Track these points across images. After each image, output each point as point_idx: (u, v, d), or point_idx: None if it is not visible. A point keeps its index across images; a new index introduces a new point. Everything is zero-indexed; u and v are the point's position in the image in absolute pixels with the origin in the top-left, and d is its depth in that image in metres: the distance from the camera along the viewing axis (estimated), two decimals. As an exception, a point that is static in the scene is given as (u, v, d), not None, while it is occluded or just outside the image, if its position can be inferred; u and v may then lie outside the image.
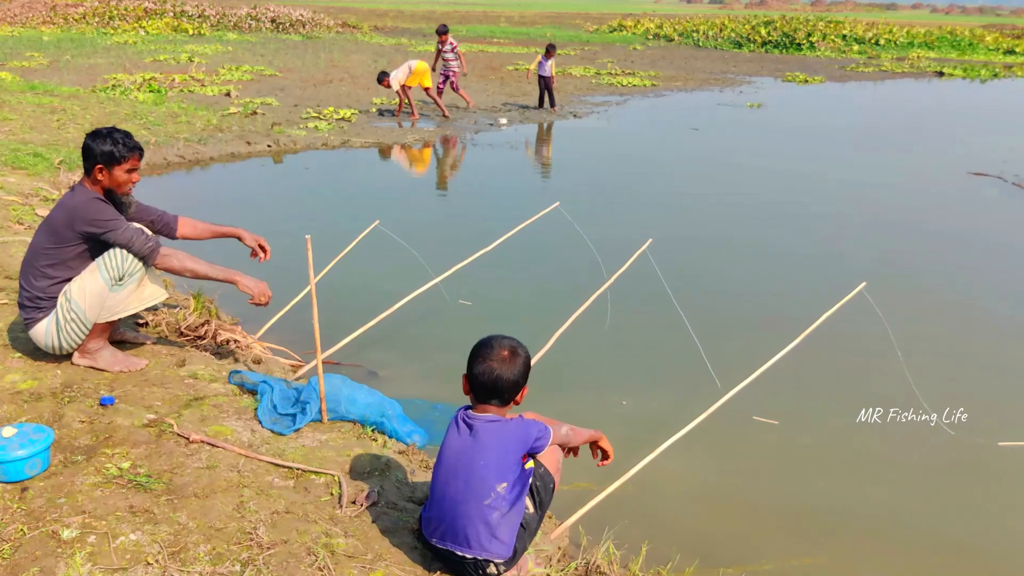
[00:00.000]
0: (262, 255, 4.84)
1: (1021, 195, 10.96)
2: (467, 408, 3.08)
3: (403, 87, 14.93)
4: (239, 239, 4.85)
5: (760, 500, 4.26)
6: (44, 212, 7.41)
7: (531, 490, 3.06)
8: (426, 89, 15.29)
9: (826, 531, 4.03)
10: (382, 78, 14.99)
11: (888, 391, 5.17)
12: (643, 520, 3.88)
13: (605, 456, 3.42)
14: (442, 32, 15.95)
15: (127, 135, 4.25)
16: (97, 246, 4.21)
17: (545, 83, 16.68)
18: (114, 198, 4.30)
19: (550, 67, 16.46)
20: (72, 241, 4.16)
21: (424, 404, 4.83)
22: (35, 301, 4.21)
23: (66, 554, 2.91)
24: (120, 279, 4.18)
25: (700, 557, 3.54)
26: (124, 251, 4.16)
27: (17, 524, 3.05)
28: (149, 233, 4.29)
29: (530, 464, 3.04)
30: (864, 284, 4.47)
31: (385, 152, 12.69)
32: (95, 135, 4.18)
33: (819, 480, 4.43)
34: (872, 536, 4.00)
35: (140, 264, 4.22)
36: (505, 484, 2.92)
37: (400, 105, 15.28)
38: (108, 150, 4.13)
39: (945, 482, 4.51)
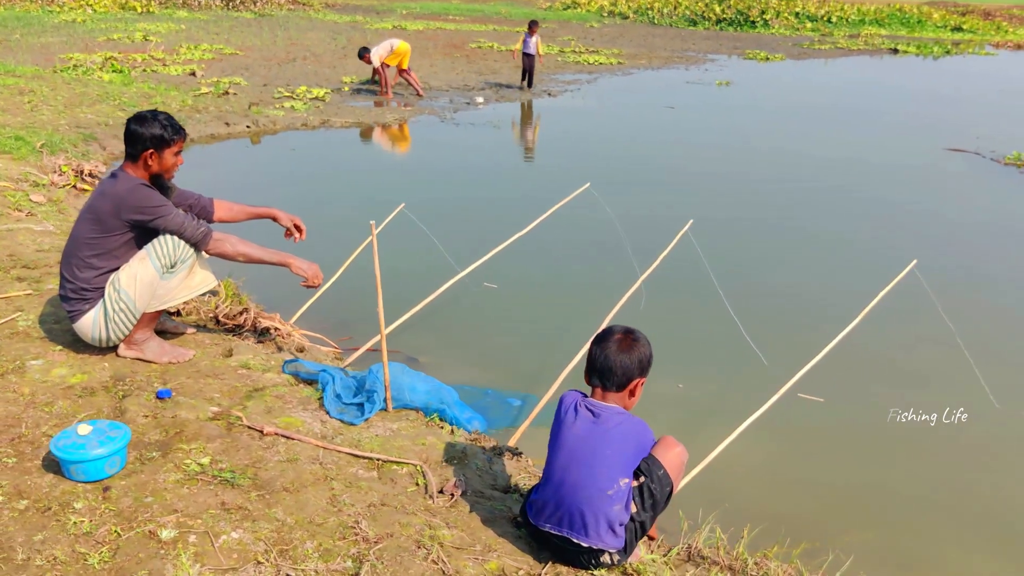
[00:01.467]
0: (298, 235, 4.70)
1: (998, 169, 11.20)
2: (584, 396, 3.04)
3: (382, 64, 14.73)
4: (275, 219, 4.71)
5: (818, 478, 4.31)
6: (37, 198, 7.14)
7: (642, 491, 2.96)
8: (402, 70, 15.09)
9: (887, 509, 4.09)
10: (363, 54, 14.83)
11: (932, 367, 5.24)
12: (716, 501, 3.87)
13: None
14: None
15: (170, 117, 4.10)
16: (143, 234, 4.06)
17: (529, 61, 16.52)
18: (160, 182, 4.14)
19: (534, 44, 16.29)
20: (118, 230, 4.00)
21: (475, 390, 4.77)
22: (80, 293, 4.05)
23: (170, 555, 2.80)
24: (172, 266, 4.03)
25: (790, 537, 3.55)
26: (175, 237, 4.02)
27: (109, 525, 2.93)
28: (198, 219, 4.15)
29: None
30: (916, 262, 4.50)
31: (367, 132, 12.49)
32: (139, 119, 4.02)
33: (875, 457, 4.49)
34: (930, 511, 4.07)
35: (191, 250, 4.07)
36: (627, 480, 2.89)
37: (384, 82, 15.04)
38: (159, 134, 3.98)
39: (995, 458, 4.59)
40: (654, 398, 4.81)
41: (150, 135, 3.99)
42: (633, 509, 2.93)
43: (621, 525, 2.89)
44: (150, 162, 4.03)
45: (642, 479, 2.92)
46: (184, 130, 4.17)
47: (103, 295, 4.05)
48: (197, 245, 4.09)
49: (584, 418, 2.94)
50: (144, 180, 4.05)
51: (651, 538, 3.37)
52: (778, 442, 4.57)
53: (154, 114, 4.06)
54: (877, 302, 4.40)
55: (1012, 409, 4.85)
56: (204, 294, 4.61)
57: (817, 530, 3.80)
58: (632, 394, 3.00)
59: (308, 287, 4.38)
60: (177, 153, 4.13)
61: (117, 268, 4.06)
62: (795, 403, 4.81)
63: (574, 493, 2.89)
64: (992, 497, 4.24)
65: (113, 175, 4.09)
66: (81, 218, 4.09)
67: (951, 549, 3.86)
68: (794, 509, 4.01)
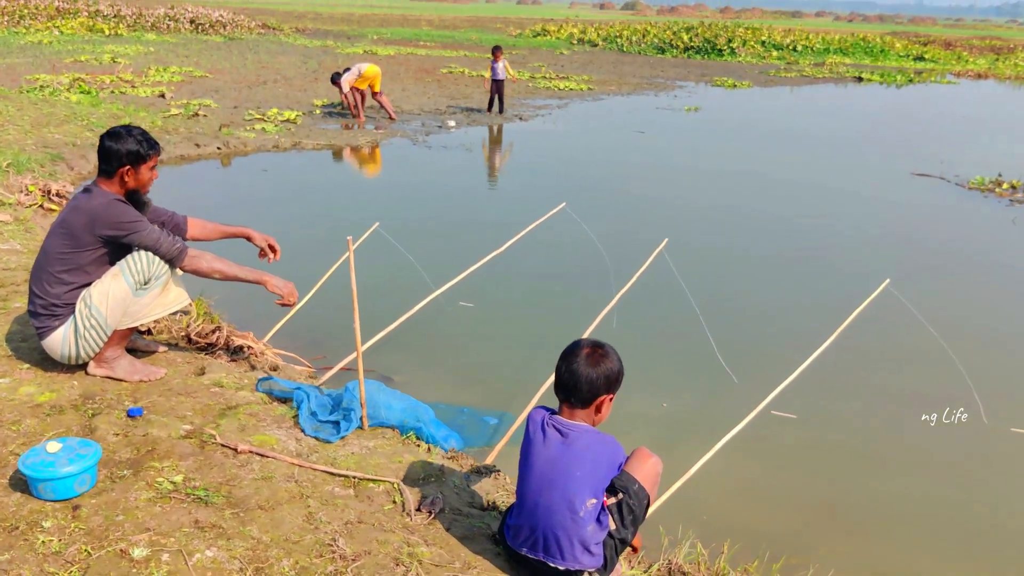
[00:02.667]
0: (272, 255, 4.67)
1: (963, 193, 11.40)
2: (551, 413, 3.02)
3: (352, 88, 14.74)
4: (248, 239, 4.68)
5: (795, 493, 4.33)
6: (3, 217, 7.03)
7: (621, 507, 2.94)
8: (375, 93, 15.11)
9: (865, 522, 4.10)
10: (336, 79, 14.84)
11: (900, 383, 5.29)
12: (695, 517, 3.87)
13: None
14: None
15: (144, 131, 4.07)
16: (116, 250, 4.00)
17: (497, 87, 16.58)
18: (136, 198, 4.09)
19: (502, 69, 16.37)
20: (91, 245, 3.94)
21: (451, 408, 4.74)
22: (50, 308, 3.97)
23: (143, 574, 2.73)
24: (146, 283, 3.97)
25: (770, 552, 3.55)
26: (149, 254, 3.96)
27: (79, 544, 2.86)
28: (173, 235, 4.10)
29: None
30: (888, 281, 4.55)
31: (339, 154, 12.47)
32: (114, 136, 3.97)
33: (848, 471, 4.52)
34: (909, 524, 4.09)
35: (166, 267, 4.02)
36: (595, 501, 2.85)
37: (352, 107, 15.01)
38: (134, 149, 3.94)
39: (972, 467, 4.63)
40: (634, 416, 4.85)
41: (126, 151, 3.95)
42: (612, 526, 2.91)
43: (597, 544, 2.86)
44: (126, 178, 3.98)
45: (620, 496, 2.90)
46: (158, 144, 4.14)
47: (73, 311, 3.98)
48: (172, 261, 4.04)
49: (552, 439, 2.91)
50: (119, 196, 4.00)
51: (635, 549, 3.35)
52: (754, 458, 4.58)
53: (128, 129, 4.03)
54: (852, 320, 4.42)
55: (995, 423, 4.91)
56: (176, 312, 4.56)
57: (796, 544, 3.80)
58: (599, 410, 2.94)
59: (283, 305, 4.34)
60: (152, 168, 4.10)
61: (88, 284, 3.99)
62: (769, 420, 4.84)
63: (548, 518, 2.85)
64: (969, 509, 4.28)
65: (87, 190, 4.03)
66: (53, 233, 4.02)
67: (927, 560, 3.88)
68: (772, 523, 4.01)
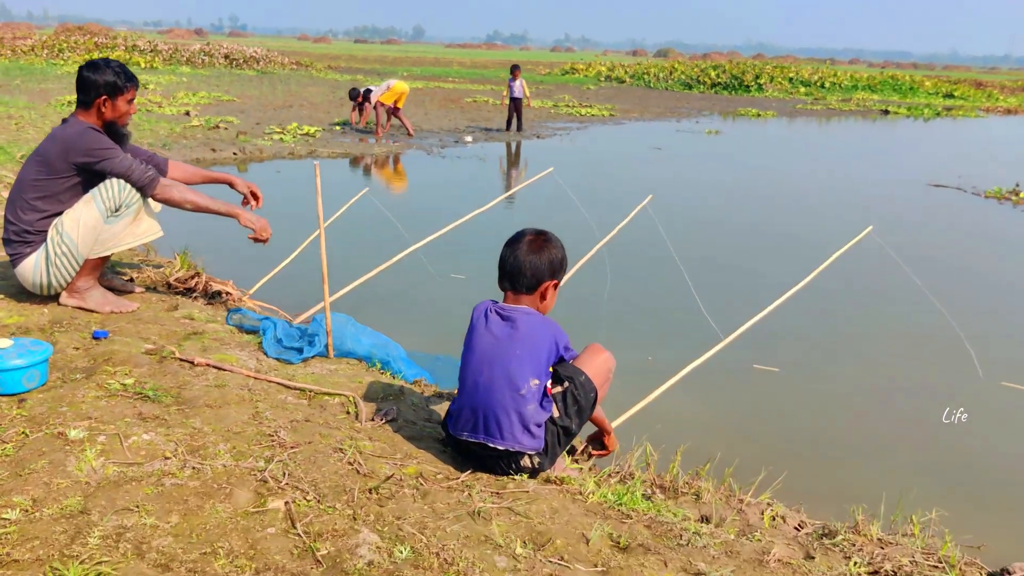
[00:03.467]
0: (254, 202, 4.69)
1: (978, 201, 11.28)
2: (496, 302, 2.97)
3: (378, 103, 14.90)
4: (231, 185, 4.71)
5: (764, 430, 4.29)
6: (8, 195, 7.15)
7: (566, 396, 2.90)
8: (396, 110, 15.26)
9: (832, 452, 4.05)
10: (355, 95, 15.06)
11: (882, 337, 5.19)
12: (661, 443, 3.77)
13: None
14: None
15: (122, 65, 4.13)
16: (90, 179, 4.03)
17: (515, 105, 16.70)
18: (114, 130, 4.13)
19: (519, 87, 16.49)
20: (65, 173, 3.98)
21: (427, 356, 4.68)
22: (22, 235, 4.01)
23: (75, 451, 2.70)
24: (116, 210, 4.00)
25: (734, 465, 3.45)
26: (121, 181, 3.99)
27: (18, 428, 2.84)
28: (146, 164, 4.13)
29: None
30: (871, 228, 4.46)
31: (354, 161, 12.59)
32: (92, 66, 4.04)
33: (816, 415, 4.50)
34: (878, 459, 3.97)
35: (137, 196, 4.04)
36: (537, 382, 2.80)
37: (377, 123, 15.16)
38: (111, 80, 4.00)
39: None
40: (621, 370, 4.80)
41: (103, 82, 4.01)
42: (555, 413, 2.84)
43: (538, 426, 2.79)
44: (103, 109, 4.03)
45: (565, 385, 2.84)
46: (137, 79, 4.19)
47: (46, 239, 4.01)
48: (144, 189, 4.06)
49: (495, 322, 2.87)
50: (95, 126, 4.05)
51: (607, 449, 3.29)
52: (733, 404, 4.52)
53: (107, 62, 4.09)
54: (828, 264, 4.34)
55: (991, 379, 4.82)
56: (148, 243, 4.58)
57: (756, 461, 3.70)
58: (544, 297, 2.91)
59: (256, 240, 4.34)
60: (130, 101, 4.15)
61: (62, 212, 4.03)
62: (751, 373, 4.75)
63: (488, 395, 2.80)
64: (936, 446, 4.18)
65: (64, 121, 4.09)
66: (29, 161, 4.08)
67: (888, 484, 3.76)
68: (737, 453, 3.90)
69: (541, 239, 2.89)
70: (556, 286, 2.92)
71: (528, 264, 2.84)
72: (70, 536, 2.23)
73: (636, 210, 5.10)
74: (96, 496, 2.44)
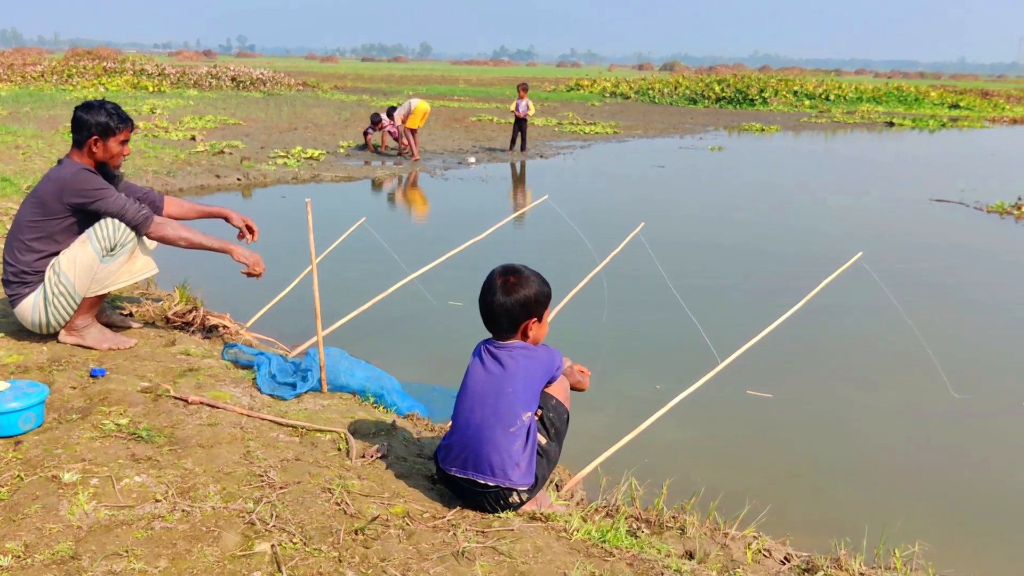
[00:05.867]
0: (249, 236, 4.74)
1: (980, 216, 11.29)
2: (490, 340, 3.02)
3: (406, 129, 15.00)
4: (226, 219, 4.76)
5: (755, 458, 4.31)
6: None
7: (543, 421, 2.97)
8: (411, 129, 15.33)
9: (821, 481, 4.08)
10: (376, 120, 15.20)
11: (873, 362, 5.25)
12: (650, 475, 3.81)
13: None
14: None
15: (118, 107, 4.20)
16: (85, 219, 4.10)
17: (520, 125, 16.80)
18: (106, 171, 4.20)
19: (525, 106, 16.59)
20: (60, 213, 4.05)
21: (422, 387, 4.73)
22: (21, 276, 4.08)
23: (68, 494, 2.76)
24: (111, 249, 4.06)
25: (706, 490, 3.49)
26: (115, 221, 4.06)
27: (13, 471, 2.90)
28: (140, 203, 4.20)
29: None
30: (860, 254, 4.49)
31: (357, 185, 12.69)
32: (87, 107, 4.11)
33: (807, 441, 4.53)
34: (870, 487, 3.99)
35: (132, 234, 4.11)
36: (530, 413, 2.86)
37: (411, 145, 15.22)
38: (104, 121, 4.07)
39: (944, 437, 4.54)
40: (627, 398, 4.87)
41: (95, 122, 4.08)
42: (542, 441, 2.90)
43: (528, 461, 2.85)
44: (94, 149, 4.11)
45: (539, 411, 2.90)
46: (131, 120, 4.27)
47: (43, 279, 4.08)
48: (138, 228, 4.13)
49: (487, 361, 2.92)
50: (88, 166, 4.12)
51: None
52: (725, 432, 4.56)
53: (101, 103, 4.17)
54: (817, 291, 4.35)
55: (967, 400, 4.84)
56: (143, 280, 4.64)
57: (742, 492, 3.73)
58: (526, 335, 2.94)
59: (249, 275, 4.40)
60: (123, 142, 4.21)
61: (58, 252, 4.10)
62: (745, 399, 4.78)
63: (479, 434, 2.85)
64: (921, 472, 4.21)
65: (59, 162, 4.16)
66: (25, 202, 4.15)
67: (873, 514, 3.78)
68: (726, 483, 3.93)
69: (512, 280, 2.90)
70: (539, 321, 2.95)
71: (501, 310, 2.88)
72: (60, 583, 2.28)
73: (627, 239, 5.14)
74: (87, 541, 2.50)
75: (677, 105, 36.95)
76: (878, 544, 3.14)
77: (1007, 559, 3.49)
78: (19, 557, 2.39)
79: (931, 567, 2.96)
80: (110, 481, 2.86)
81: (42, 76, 31.24)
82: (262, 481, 2.97)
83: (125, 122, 4.20)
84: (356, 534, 2.65)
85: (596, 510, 3.18)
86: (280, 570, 2.42)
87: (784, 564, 3.01)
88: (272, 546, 2.53)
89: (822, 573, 2.82)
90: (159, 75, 33.30)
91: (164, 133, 16.55)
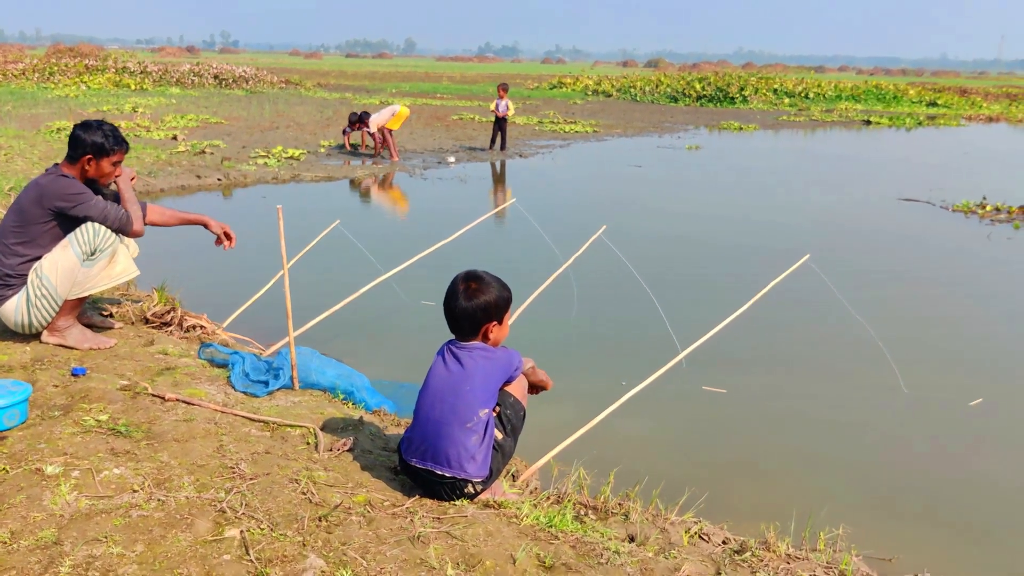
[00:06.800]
0: (227, 243, 4.95)
1: (945, 215, 11.60)
2: (453, 341, 3.23)
3: (387, 130, 15.21)
4: (205, 226, 4.96)
5: (703, 450, 4.58)
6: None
7: (501, 418, 3.19)
8: (390, 131, 15.53)
9: (764, 470, 4.32)
10: (355, 120, 15.38)
11: (829, 358, 5.49)
12: (601, 465, 4.03)
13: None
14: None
15: (115, 129, 4.40)
16: (68, 224, 4.29)
17: (500, 124, 17.03)
18: (95, 187, 4.40)
19: (505, 106, 16.82)
20: (42, 218, 4.24)
21: (392, 384, 4.94)
22: (4, 279, 4.26)
23: (51, 485, 2.96)
24: (92, 254, 4.26)
25: (661, 487, 3.72)
26: (96, 225, 4.25)
27: (-1, 465, 3.10)
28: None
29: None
30: (808, 256, 4.73)
31: (336, 185, 12.87)
32: (85, 126, 4.32)
33: (755, 434, 4.79)
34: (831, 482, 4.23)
35: (112, 239, 4.30)
36: (487, 410, 3.07)
37: (390, 147, 15.42)
38: (99, 142, 4.26)
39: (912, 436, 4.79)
40: (592, 395, 5.09)
41: (91, 142, 4.28)
42: (499, 436, 3.12)
43: (484, 455, 3.06)
44: (87, 167, 4.31)
45: (497, 408, 3.11)
46: (126, 143, 4.47)
47: (26, 282, 4.27)
48: (123, 229, 4.33)
49: (449, 360, 3.14)
50: (71, 175, 4.30)
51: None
52: (678, 425, 4.81)
53: (99, 123, 4.37)
54: (767, 291, 4.59)
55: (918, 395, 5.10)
56: (123, 283, 4.84)
57: (685, 481, 3.95)
58: (487, 337, 3.16)
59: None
60: (116, 164, 4.41)
61: (41, 256, 4.28)
62: (700, 395, 5.01)
63: (438, 429, 3.07)
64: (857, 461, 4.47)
65: (46, 171, 4.36)
66: (10, 208, 4.34)
67: (809, 501, 4.01)
68: (672, 473, 4.15)
69: (473, 286, 3.12)
70: (499, 324, 3.16)
71: (462, 314, 3.10)
72: (44, 565, 2.49)
73: (590, 241, 5.37)
74: (69, 528, 2.70)
75: (658, 103, 37.25)
76: (805, 528, 3.38)
77: (924, 540, 3.73)
78: (5, 543, 2.59)
79: (853, 548, 3.21)
80: (90, 473, 3.06)
81: (23, 74, 31.17)
82: (233, 473, 3.17)
83: (120, 144, 4.39)
84: (320, 520, 2.86)
85: (547, 498, 3.41)
86: (248, 553, 2.63)
87: (724, 545, 3.24)
88: (241, 532, 2.74)
89: (749, 553, 3.06)
90: (141, 73, 33.27)
91: (146, 133, 16.66)
